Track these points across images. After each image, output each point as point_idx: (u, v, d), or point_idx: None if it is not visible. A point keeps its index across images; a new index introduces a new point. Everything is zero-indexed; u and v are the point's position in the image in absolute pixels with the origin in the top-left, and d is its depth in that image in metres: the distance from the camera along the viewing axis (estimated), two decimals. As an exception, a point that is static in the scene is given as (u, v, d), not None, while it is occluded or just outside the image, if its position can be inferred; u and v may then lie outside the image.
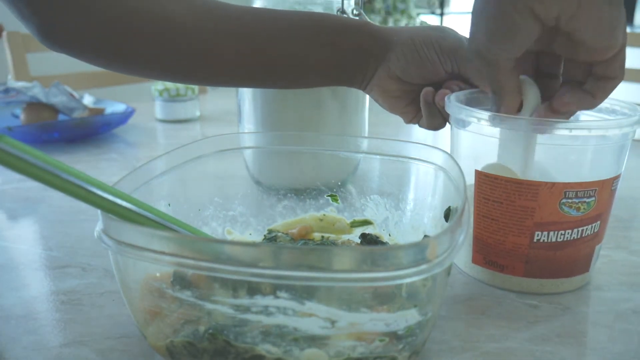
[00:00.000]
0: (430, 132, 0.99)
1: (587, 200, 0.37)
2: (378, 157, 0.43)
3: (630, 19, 3.28)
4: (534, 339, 0.35)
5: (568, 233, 0.38)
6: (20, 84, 0.85)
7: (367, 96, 0.59)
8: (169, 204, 0.38)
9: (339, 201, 0.46)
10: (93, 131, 0.85)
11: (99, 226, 0.29)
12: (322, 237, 0.45)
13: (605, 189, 0.38)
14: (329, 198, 0.46)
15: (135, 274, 0.30)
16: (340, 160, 0.46)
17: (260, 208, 0.46)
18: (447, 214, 0.36)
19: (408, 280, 0.25)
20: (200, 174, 0.42)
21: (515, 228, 0.38)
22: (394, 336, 0.28)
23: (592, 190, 0.37)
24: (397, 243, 0.43)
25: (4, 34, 1.17)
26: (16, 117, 0.86)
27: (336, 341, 0.28)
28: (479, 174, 0.39)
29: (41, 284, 0.41)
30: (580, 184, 0.37)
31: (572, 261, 0.39)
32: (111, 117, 0.87)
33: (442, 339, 0.35)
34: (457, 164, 0.35)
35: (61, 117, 0.87)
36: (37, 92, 0.84)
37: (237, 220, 0.45)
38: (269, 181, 0.51)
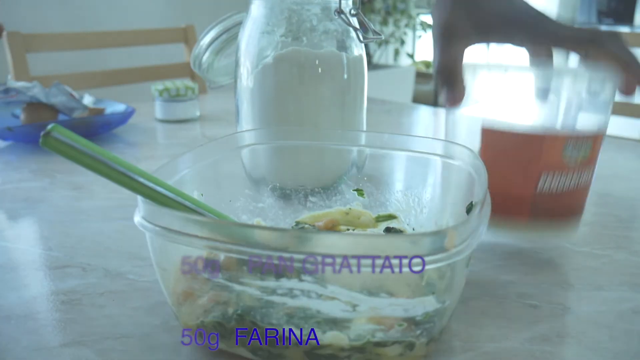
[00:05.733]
0: (431, 131, 0.99)
1: (584, 148, 0.41)
2: (403, 153, 0.44)
3: (630, 19, 3.28)
4: (534, 339, 0.35)
5: (569, 180, 0.42)
6: (20, 84, 0.85)
7: (366, 97, 0.59)
8: (202, 194, 0.40)
9: (365, 195, 0.47)
10: (93, 131, 0.85)
11: (137, 212, 0.30)
12: (348, 230, 0.46)
13: (597, 141, 0.42)
14: (355, 192, 0.47)
15: (171, 257, 0.32)
16: (366, 157, 0.47)
17: (288, 201, 0.47)
18: (469, 210, 0.37)
19: (425, 267, 0.26)
20: (232, 166, 0.44)
21: (520, 177, 0.42)
22: (412, 322, 0.29)
23: (589, 139, 0.41)
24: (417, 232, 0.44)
25: (4, 34, 1.17)
26: (16, 117, 0.86)
27: (357, 324, 0.29)
28: (484, 131, 0.42)
29: (41, 284, 0.41)
30: (579, 135, 0.41)
31: (571, 205, 0.43)
32: (111, 117, 0.87)
33: (442, 339, 0.35)
34: (480, 160, 0.36)
35: (61, 117, 0.87)
36: (37, 92, 0.84)
37: (267, 214, 0.46)
38: (294, 179, 0.51)
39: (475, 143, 0.42)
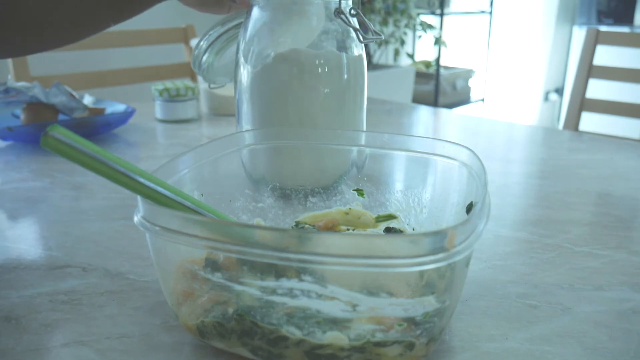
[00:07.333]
0: (431, 131, 0.99)
1: None
2: (403, 153, 0.44)
3: (630, 19, 3.28)
4: (534, 339, 0.35)
5: None
6: (20, 84, 0.85)
7: (366, 97, 0.59)
8: (202, 194, 0.40)
9: (365, 195, 0.47)
10: (93, 131, 0.85)
11: (137, 212, 0.30)
12: (348, 230, 0.46)
13: None
14: (355, 192, 0.47)
15: (171, 257, 0.32)
16: (366, 157, 0.47)
17: (288, 201, 0.47)
18: (469, 209, 0.37)
19: (425, 267, 0.26)
20: (232, 166, 0.45)
21: None
22: (412, 322, 0.29)
23: None
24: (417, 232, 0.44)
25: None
26: (16, 117, 0.86)
27: (357, 324, 0.29)
28: None
29: (41, 284, 0.41)
30: None
31: None
32: (111, 117, 0.87)
33: (442, 339, 0.35)
34: (480, 161, 0.36)
35: (61, 117, 0.87)
36: (37, 92, 0.84)
37: (267, 214, 0.46)
38: (294, 179, 0.51)
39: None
